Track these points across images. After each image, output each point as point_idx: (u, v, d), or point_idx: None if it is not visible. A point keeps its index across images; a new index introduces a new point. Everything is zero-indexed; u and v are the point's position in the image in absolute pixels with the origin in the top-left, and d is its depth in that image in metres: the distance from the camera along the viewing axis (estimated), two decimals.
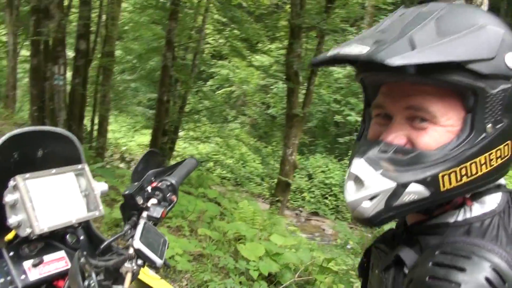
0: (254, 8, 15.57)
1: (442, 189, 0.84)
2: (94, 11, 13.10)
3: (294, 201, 15.91)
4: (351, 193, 0.89)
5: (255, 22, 14.93)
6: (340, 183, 16.37)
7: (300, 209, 16.08)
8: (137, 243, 1.32)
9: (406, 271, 0.87)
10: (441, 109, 0.86)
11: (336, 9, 12.09)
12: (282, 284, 4.51)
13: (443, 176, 0.83)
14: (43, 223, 1.35)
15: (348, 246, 5.42)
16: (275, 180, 12.22)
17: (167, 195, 1.59)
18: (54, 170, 1.46)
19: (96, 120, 13.58)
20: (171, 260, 4.35)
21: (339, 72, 18.37)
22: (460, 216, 0.89)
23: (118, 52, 15.31)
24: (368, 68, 0.93)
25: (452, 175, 0.83)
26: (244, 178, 17.15)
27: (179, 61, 13.08)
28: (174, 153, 13.61)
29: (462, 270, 0.74)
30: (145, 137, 16.14)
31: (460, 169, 0.83)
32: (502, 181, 0.94)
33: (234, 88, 21.25)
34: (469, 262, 0.75)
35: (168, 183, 1.60)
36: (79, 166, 1.53)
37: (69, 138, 1.56)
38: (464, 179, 0.84)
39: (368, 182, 0.86)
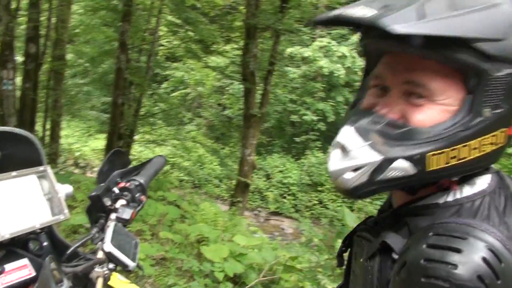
0: (208, 9, 15.48)
1: (428, 168, 0.81)
2: (43, 13, 12.75)
3: (252, 202, 15.92)
4: (335, 162, 0.86)
5: (210, 23, 14.86)
6: (298, 183, 16.48)
7: (259, 209, 16.10)
8: (108, 246, 1.25)
9: (395, 256, 0.84)
10: (441, 86, 0.82)
11: (290, 10, 12.17)
12: (247, 285, 4.48)
13: (431, 156, 0.81)
14: (4, 229, 1.26)
15: (312, 244, 5.44)
16: (234, 181, 12.18)
17: (136, 196, 1.53)
18: (14, 173, 1.37)
19: (48, 126, 13.19)
20: None
21: (294, 72, 18.55)
22: (450, 196, 0.87)
23: (69, 56, 14.94)
24: (371, 34, 0.89)
25: (441, 156, 0.81)
26: (203, 180, 17.04)
27: (133, 64, 12.87)
28: (130, 157, 13.38)
29: (458, 251, 0.72)
30: (99, 142, 15.81)
31: (451, 151, 0.81)
32: None
33: (189, 90, 21.09)
34: (465, 243, 0.73)
35: (137, 183, 1.54)
36: (41, 168, 1.45)
37: (29, 139, 1.48)
38: (453, 162, 0.82)
39: (354, 153, 0.83)
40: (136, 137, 13.56)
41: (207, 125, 20.83)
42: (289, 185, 16.42)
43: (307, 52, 18.19)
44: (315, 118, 17.92)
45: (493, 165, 0.93)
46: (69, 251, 1.35)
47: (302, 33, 18.50)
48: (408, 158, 0.81)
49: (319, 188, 16.18)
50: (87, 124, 17.98)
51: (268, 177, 16.97)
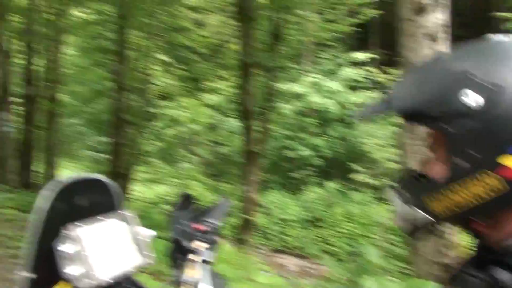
0: (200, 47, 15.59)
1: (435, 213, 0.95)
2: (37, 55, 12.85)
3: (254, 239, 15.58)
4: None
5: (202, 60, 14.93)
6: (299, 219, 16.18)
7: (261, 247, 15.84)
8: None
9: None
10: (435, 145, 0.98)
11: (281, 47, 12.35)
12: None
13: (430, 202, 0.95)
14: (103, 274, 1.28)
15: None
16: (235, 219, 12.03)
17: (212, 237, 1.56)
18: (100, 217, 1.39)
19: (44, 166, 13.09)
20: None
21: (285, 108, 18.56)
22: None
23: (64, 97, 14.90)
24: None
25: (441, 201, 0.93)
26: None
27: (130, 103, 12.91)
28: (128, 195, 13.28)
29: None
30: None
31: (443, 196, 0.93)
32: None
33: (184, 128, 21.07)
34: None
35: (212, 225, 1.57)
36: (124, 212, 1.47)
37: (106, 184, 1.50)
38: (452, 208, 0.93)
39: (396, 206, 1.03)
40: (133, 176, 13.49)
41: (203, 163, 20.72)
42: (290, 221, 16.13)
43: (299, 88, 18.27)
44: (312, 153, 17.87)
45: None
46: None
47: (291, 69, 18.66)
48: (418, 207, 0.97)
49: (320, 224, 15.93)
50: (83, 164, 17.76)
51: (268, 213, 16.70)
